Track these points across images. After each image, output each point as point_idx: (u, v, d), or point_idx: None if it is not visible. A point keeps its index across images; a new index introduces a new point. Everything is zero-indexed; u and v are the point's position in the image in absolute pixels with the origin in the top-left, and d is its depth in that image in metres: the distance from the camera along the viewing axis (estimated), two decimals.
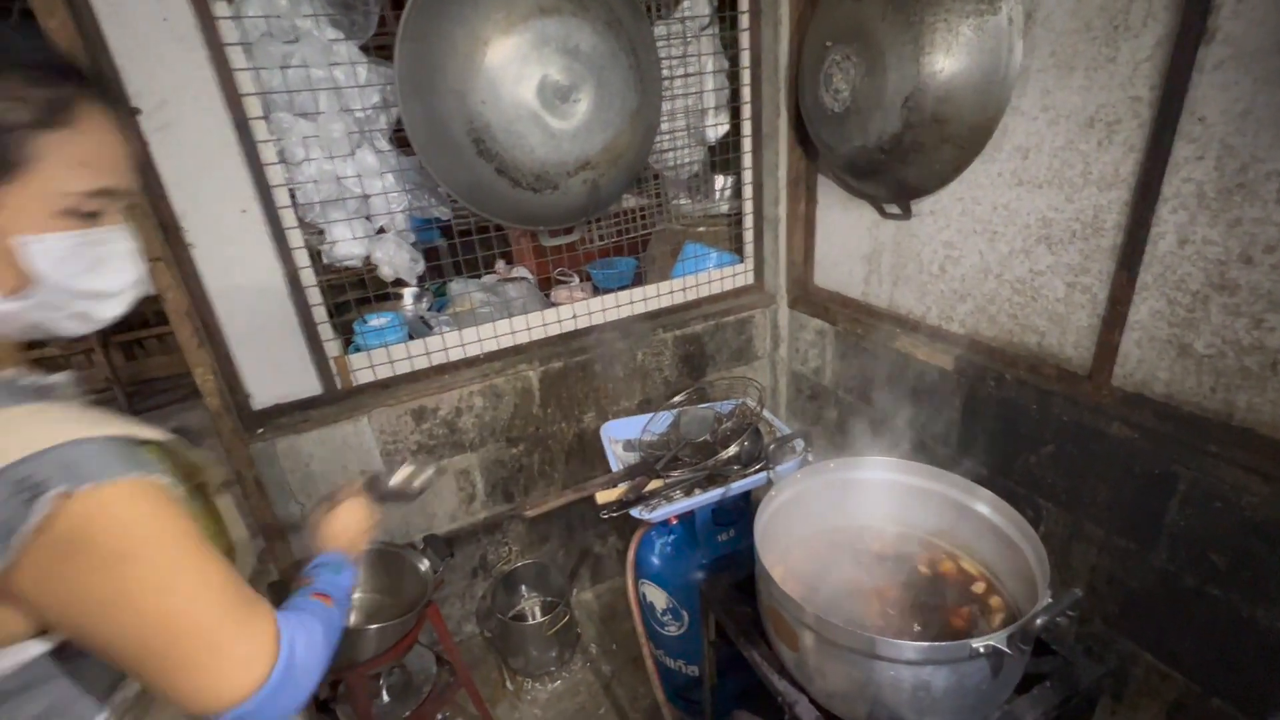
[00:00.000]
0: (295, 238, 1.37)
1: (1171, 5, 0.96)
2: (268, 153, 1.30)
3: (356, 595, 1.43)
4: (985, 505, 0.99)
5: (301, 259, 1.39)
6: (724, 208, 2.02)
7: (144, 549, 0.51)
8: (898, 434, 1.68)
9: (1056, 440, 1.26)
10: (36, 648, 0.54)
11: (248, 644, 0.55)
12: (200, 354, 1.29)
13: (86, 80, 0.56)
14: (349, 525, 0.86)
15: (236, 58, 1.22)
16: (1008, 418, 1.35)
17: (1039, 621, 0.69)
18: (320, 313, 1.44)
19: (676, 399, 1.60)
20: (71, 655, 0.56)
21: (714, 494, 1.28)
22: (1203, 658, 1.09)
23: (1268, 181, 0.91)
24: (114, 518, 0.50)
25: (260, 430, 1.42)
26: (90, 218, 0.56)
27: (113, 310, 0.60)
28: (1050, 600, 0.73)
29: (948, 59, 1.18)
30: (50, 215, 0.53)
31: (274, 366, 1.43)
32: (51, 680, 0.56)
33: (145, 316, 3.96)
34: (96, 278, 0.57)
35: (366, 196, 1.42)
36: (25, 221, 0.52)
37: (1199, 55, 0.94)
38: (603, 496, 1.29)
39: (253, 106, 1.26)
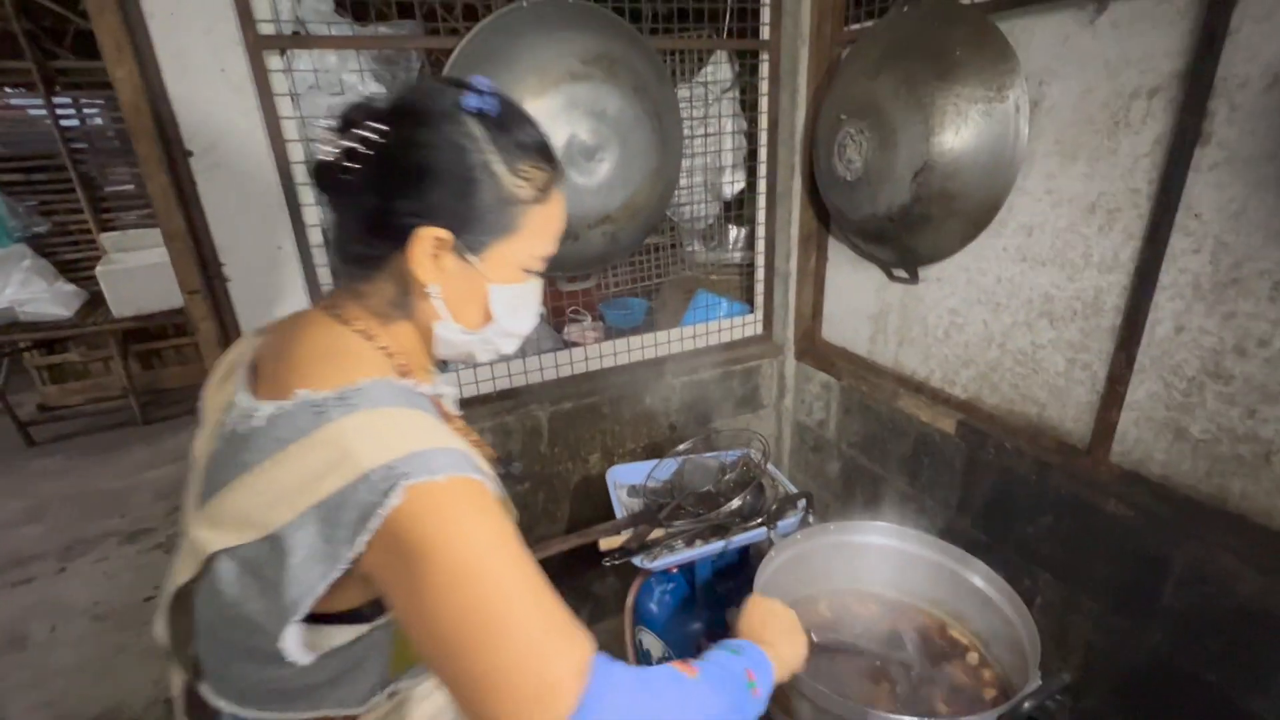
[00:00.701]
0: (325, 275, 1.44)
1: (1169, 107, 1.01)
2: (305, 195, 1.37)
3: None
4: (981, 578, 1.00)
5: None
6: (736, 257, 2.07)
7: (482, 541, 0.52)
8: (898, 493, 1.70)
9: (1054, 512, 1.28)
10: (364, 628, 0.59)
11: (560, 669, 0.50)
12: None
13: (557, 163, 0.68)
14: (768, 622, 0.78)
15: (284, 107, 1.30)
16: (1006, 486, 1.37)
17: (1027, 706, 0.70)
18: None
19: (682, 446, 1.63)
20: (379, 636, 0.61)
21: (715, 546, 1.30)
22: None
23: (1260, 279, 0.95)
24: (459, 506, 0.53)
25: None
26: (530, 274, 0.69)
27: (512, 347, 0.74)
28: (1040, 683, 0.74)
29: (957, 139, 1.24)
30: (515, 270, 0.67)
31: None
32: (368, 651, 0.61)
33: (165, 327, 4.05)
34: (519, 321, 0.71)
35: None
36: (501, 274, 0.66)
37: (1195, 156, 0.99)
38: (606, 543, 1.31)
39: (295, 152, 1.33)
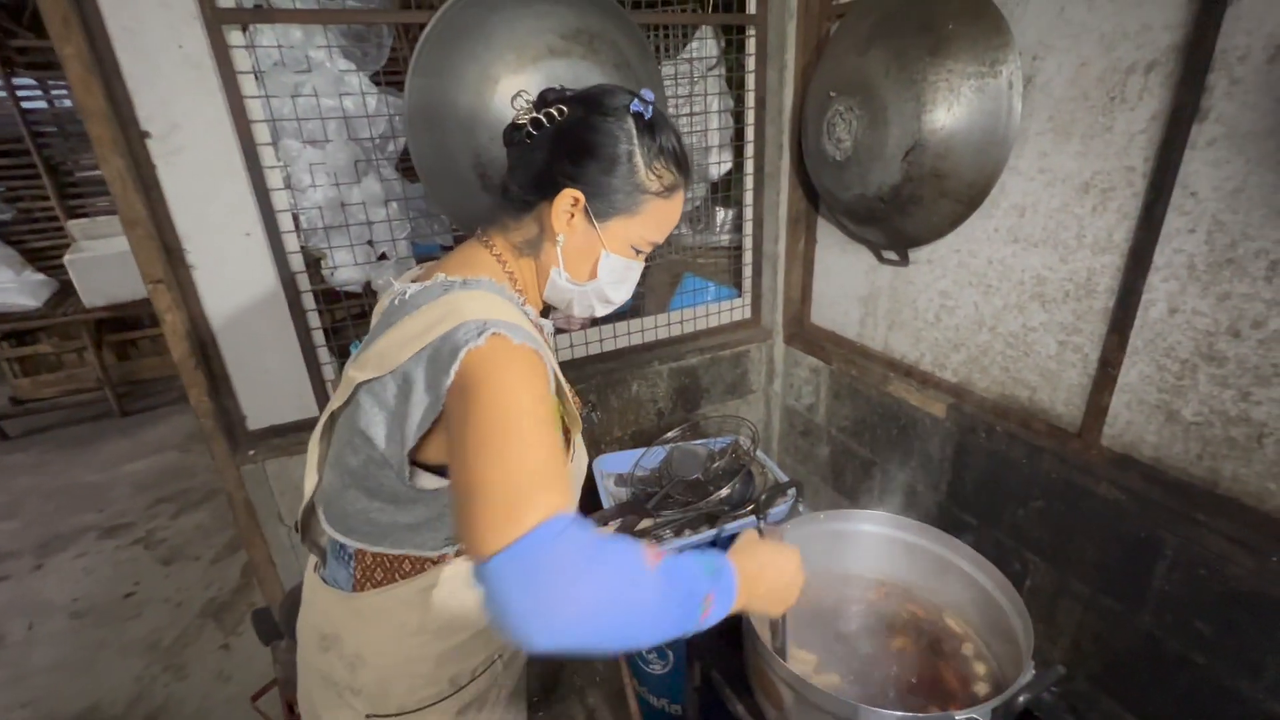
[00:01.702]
0: (297, 262, 1.38)
1: (1167, 82, 0.98)
2: (274, 178, 1.31)
3: None
4: (974, 567, 0.99)
5: (303, 283, 1.40)
6: (724, 240, 2.04)
7: (523, 393, 0.60)
8: (888, 477, 1.69)
9: (1045, 496, 1.27)
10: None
11: (532, 503, 0.53)
12: (197, 375, 1.30)
13: (689, 174, 0.82)
14: (770, 565, 0.76)
15: (248, 85, 1.24)
16: (997, 470, 1.36)
17: (1022, 699, 0.69)
18: (319, 336, 1.44)
19: (670, 434, 1.61)
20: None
21: (705, 535, 1.28)
22: None
23: (1257, 259, 0.93)
24: (520, 364, 0.62)
25: (252, 451, 1.42)
26: (637, 254, 0.82)
27: (603, 310, 0.87)
28: (1034, 674, 0.73)
29: (949, 117, 1.20)
30: (626, 245, 0.80)
31: (271, 388, 1.43)
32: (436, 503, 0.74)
33: (139, 317, 3.95)
34: (617, 291, 0.85)
35: (370, 223, 1.43)
36: (615, 244, 0.80)
37: (1192, 132, 0.96)
38: None
39: (261, 133, 1.27)
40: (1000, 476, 1.35)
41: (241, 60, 1.22)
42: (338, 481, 0.77)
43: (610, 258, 0.80)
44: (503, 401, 0.59)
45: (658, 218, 0.80)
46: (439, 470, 0.72)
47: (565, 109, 0.76)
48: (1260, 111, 0.89)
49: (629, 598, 0.55)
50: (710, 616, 0.63)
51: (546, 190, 0.77)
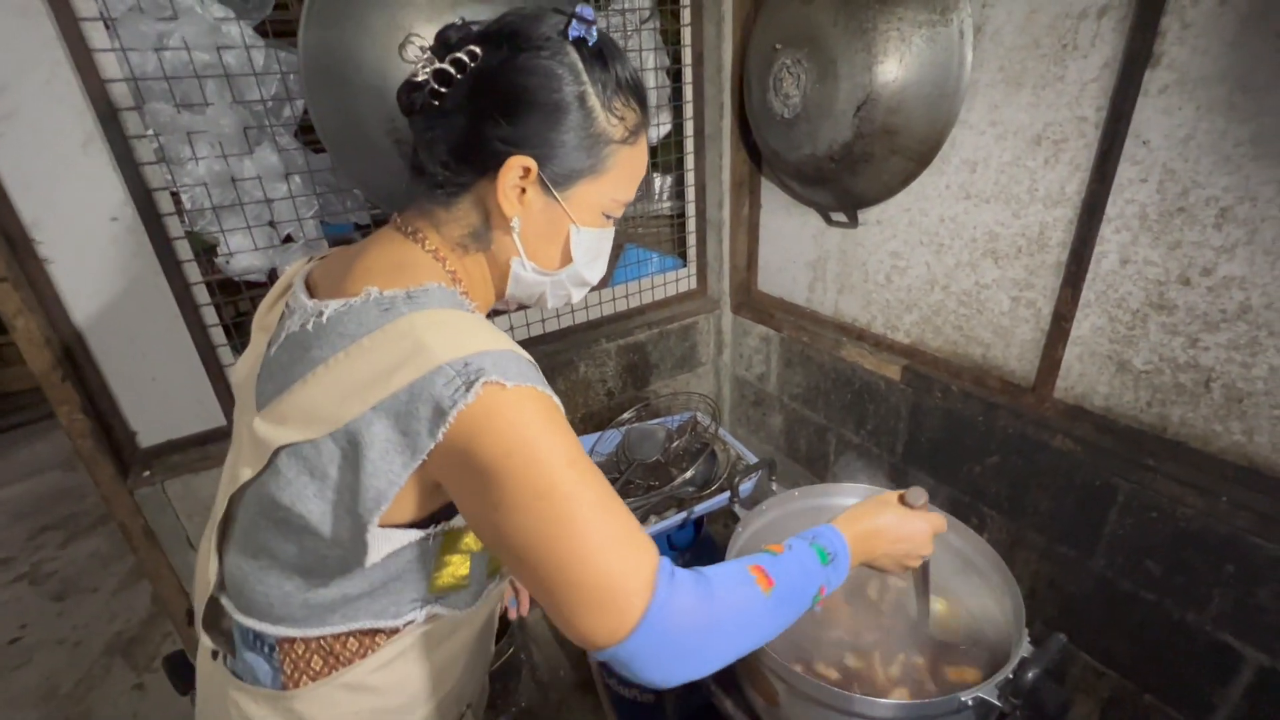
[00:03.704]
0: (183, 249, 1.18)
1: (1119, 28, 0.96)
2: (143, 150, 1.10)
3: None
4: (959, 538, 0.98)
5: (192, 273, 1.20)
6: (665, 207, 1.95)
7: (556, 455, 0.51)
8: (843, 442, 1.69)
9: (1001, 451, 1.28)
10: (416, 534, 0.58)
11: (629, 582, 0.50)
12: (64, 390, 1.09)
13: (648, 107, 0.66)
14: (889, 530, 0.72)
15: (97, 36, 1.02)
16: (953, 428, 1.37)
17: (1030, 675, 0.67)
18: (219, 334, 1.25)
19: (625, 416, 1.53)
20: (427, 549, 0.60)
21: (673, 520, 1.22)
22: (1136, 657, 1.15)
23: (1206, 206, 0.93)
24: (533, 417, 0.51)
25: (147, 473, 1.23)
26: (608, 219, 0.67)
27: (579, 296, 0.73)
28: (1030, 645, 0.72)
29: (900, 69, 1.15)
30: (597, 213, 0.65)
31: (165, 398, 1.24)
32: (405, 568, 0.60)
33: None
34: (591, 269, 0.70)
35: (269, 201, 1.25)
36: (585, 215, 0.64)
37: (1144, 79, 0.95)
38: None
39: (121, 95, 1.06)
40: (956, 435, 1.36)
41: (84, 4, 1.00)
42: (250, 565, 0.61)
43: (582, 232, 0.65)
44: (540, 477, 0.50)
45: (628, 170, 0.65)
46: (404, 524, 0.58)
47: (479, 49, 0.58)
48: (1211, 56, 0.88)
49: (752, 633, 0.57)
50: (826, 595, 0.65)
51: (482, 163, 0.60)
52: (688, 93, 1.65)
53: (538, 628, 1.93)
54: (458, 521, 0.60)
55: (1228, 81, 0.87)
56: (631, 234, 1.90)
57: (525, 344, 1.63)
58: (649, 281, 1.81)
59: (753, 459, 1.33)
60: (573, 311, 1.68)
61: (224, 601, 0.64)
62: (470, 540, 0.63)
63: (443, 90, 0.59)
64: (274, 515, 0.57)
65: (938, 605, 0.92)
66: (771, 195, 1.71)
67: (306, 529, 0.56)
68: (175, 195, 1.16)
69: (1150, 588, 1.10)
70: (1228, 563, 0.99)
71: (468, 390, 0.49)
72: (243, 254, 1.25)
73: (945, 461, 1.41)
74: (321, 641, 0.62)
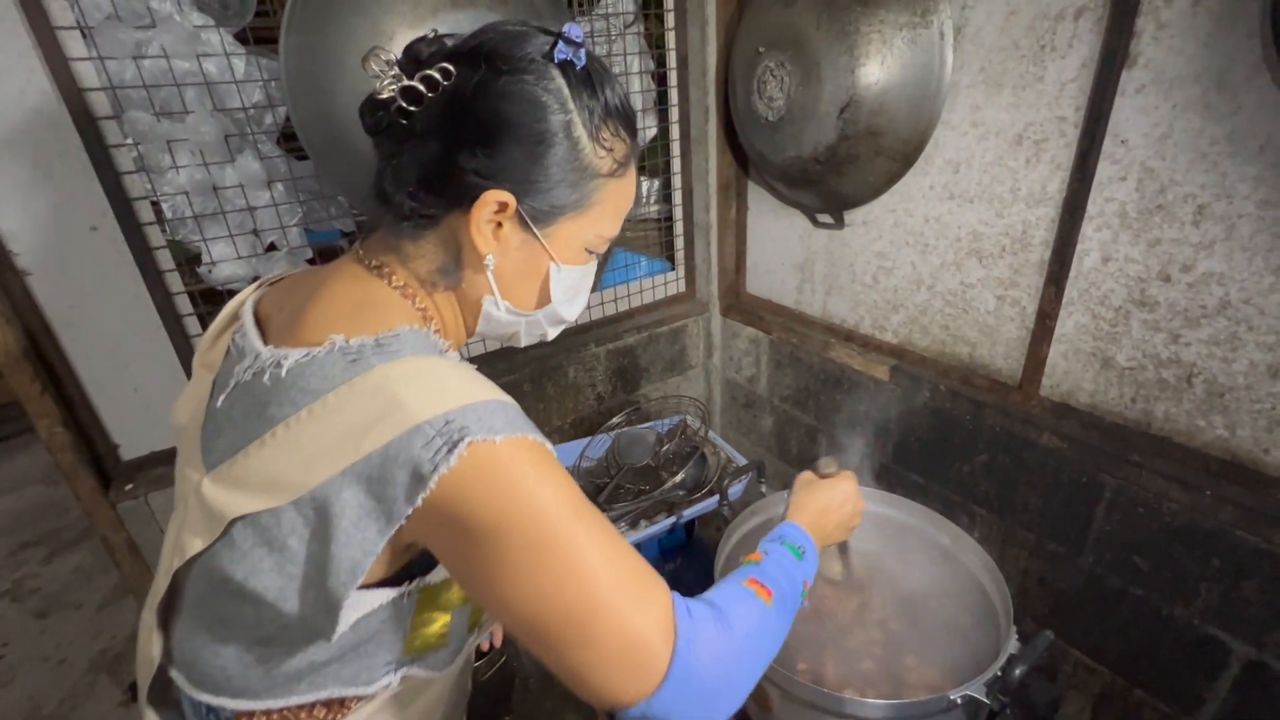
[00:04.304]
0: (165, 258, 1.17)
1: (1096, 29, 0.97)
2: (123, 159, 1.09)
3: None
4: (947, 536, 0.98)
5: (174, 283, 1.19)
6: (653, 211, 1.95)
7: (553, 510, 0.48)
8: (834, 444, 1.69)
9: (989, 450, 1.29)
10: (389, 593, 0.53)
11: (647, 636, 0.48)
12: (44, 403, 1.07)
13: (637, 134, 0.61)
14: (830, 504, 0.76)
15: (74, 45, 1.01)
16: (941, 427, 1.37)
17: (1018, 671, 0.67)
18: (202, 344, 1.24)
19: (614, 420, 1.52)
20: (398, 611, 0.55)
21: (663, 524, 1.22)
22: (1126, 652, 1.15)
23: (1184, 204, 0.94)
24: (526, 471, 0.47)
25: (130, 486, 1.21)
26: (590, 254, 0.62)
27: (554, 334, 0.68)
28: (1017, 642, 0.72)
29: (883, 70, 1.16)
30: (578, 250, 0.60)
31: (147, 409, 1.22)
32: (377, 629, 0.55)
33: None
34: (571, 307, 0.65)
35: (252, 209, 1.23)
36: (566, 253, 0.59)
37: (1121, 79, 0.96)
38: None
39: (99, 103, 1.05)
40: (945, 434, 1.37)
41: (60, 13, 0.99)
42: (204, 638, 0.55)
43: (563, 271, 0.60)
44: (543, 535, 0.46)
45: (614, 204, 0.60)
46: (374, 584, 0.53)
47: (453, 68, 0.52)
48: (1185, 56, 0.90)
49: (768, 646, 0.56)
50: (808, 589, 0.65)
51: (454, 195, 0.54)
52: (673, 96, 1.66)
53: None
54: (435, 576, 0.56)
55: (1203, 81, 0.89)
56: (620, 238, 1.90)
57: (517, 350, 1.63)
58: (637, 285, 1.81)
59: (742, 461, 1.33)
60: None
61: (174, 675, 0.58)
62: (452, 595, 0.58)
63: (412, 109, 0.53)
64: (228, 589, 0.51)
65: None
66: (758, 198, 1.72)
67: (260, 604, 0.51)
68: (156, 204, 1.15)
69: (1138, 583, 1.10)
70: (1213, 556, 1.00)
71: (450, 452, 0.45)
72: (225, 263, 1.23)
73: (934, 461, 1.42)
74: (285, 713, 0.56)
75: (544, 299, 0.61)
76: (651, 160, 1.78)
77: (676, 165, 1.74)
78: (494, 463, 0.46)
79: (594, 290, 1.71)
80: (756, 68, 1.35)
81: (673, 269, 1.88)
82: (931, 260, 1.32)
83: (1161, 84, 0.93)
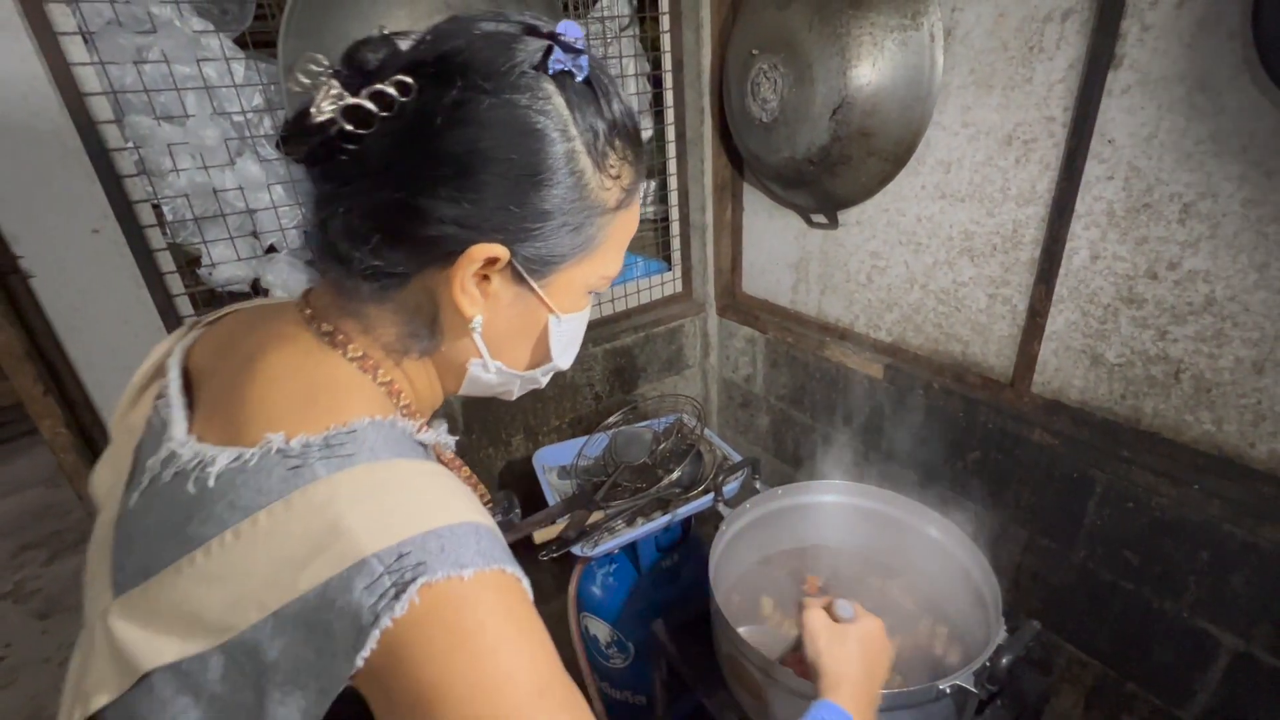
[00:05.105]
0: (166, 261, 1.18)
1: (1082, 31, 0.99)
2: (124, 162, 1.10)
3: None
4: (934, 527, 0.99)
5: (175, 285, 1.20)
6: (649, 212, 1.96)
7: (519, 676, 0.38)
8: (830, 441, 1.70)
9: (982, 446, 1.30)
10: None
11: None
12: (47, 404, 1.09)
13: (642, 151, 0.50)
14: (874, 666, 0.63)
15: (75, 50, 1.02)
16: (935, 425, 1.38)
17: (1005, 660, 0.69)
18: None
19: (611, 419, 1.54)
20: None
21: (658, 522, 1.23)
22: (1118, 646, 1.17)
23: (1171, 203, 0.96)
24: (490, 611, 0.39)
25: None
26: (589, 294, 0.53)
27: (544, 382, 0.58)
28: (1007, 634, 0.73)
29: (874, 72, 1.18)
30: (580, 295, 0.51)
31: None
32: None
33: None
34: (567, 354, 0.55)
35: (252, 211, 1.25)
36: (567, 301, 0.50)
37: (1108, 79, 0.98)
38: (541, 535, 1.20)
39: (100, 108, 1.06)
40: (939, 431, 1.38)
41: (62, 19, 1.00)
42: None
43: (563, 321, 0.51)
44: (496, 709, 0.37)
45: (621, 239, 0.50)
46: None
47: (413, 82, 0.40)
48: (1170, 57, 0.91)
49: None
50: None
51: (427, 250, 0.44)
52: (668, 98, 1.67)
53: None
54: None
55: (1187, 81, 0.90)
56: None
57: None
58: (634, 285, 1.82)
59: (738, 458, 1.35)
60: None
61: None
62: None
63: (360, 134, 0.41)
64: None
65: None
66: (753, 198, 1.73)
67: None
68: (157, 207, 1.16)
69: (1129, 577, 1.12)
70: (1202, 550, 1.01)
71: (397, 597, 0.36)
72: (226, 265, 1.25)
73: (928, 458, 1.43)
74: None
75: (542, 355, 0.53)
76: (648, 161, 1.79)
77: (672, 166, 1.75)
78: (450, 607, 0.37)
79: None
80: (750, 70, 1.36)
81: (669, 269, 1.90)
82: (924, 259, 1.34)
83: (1147, 85, 0.94)
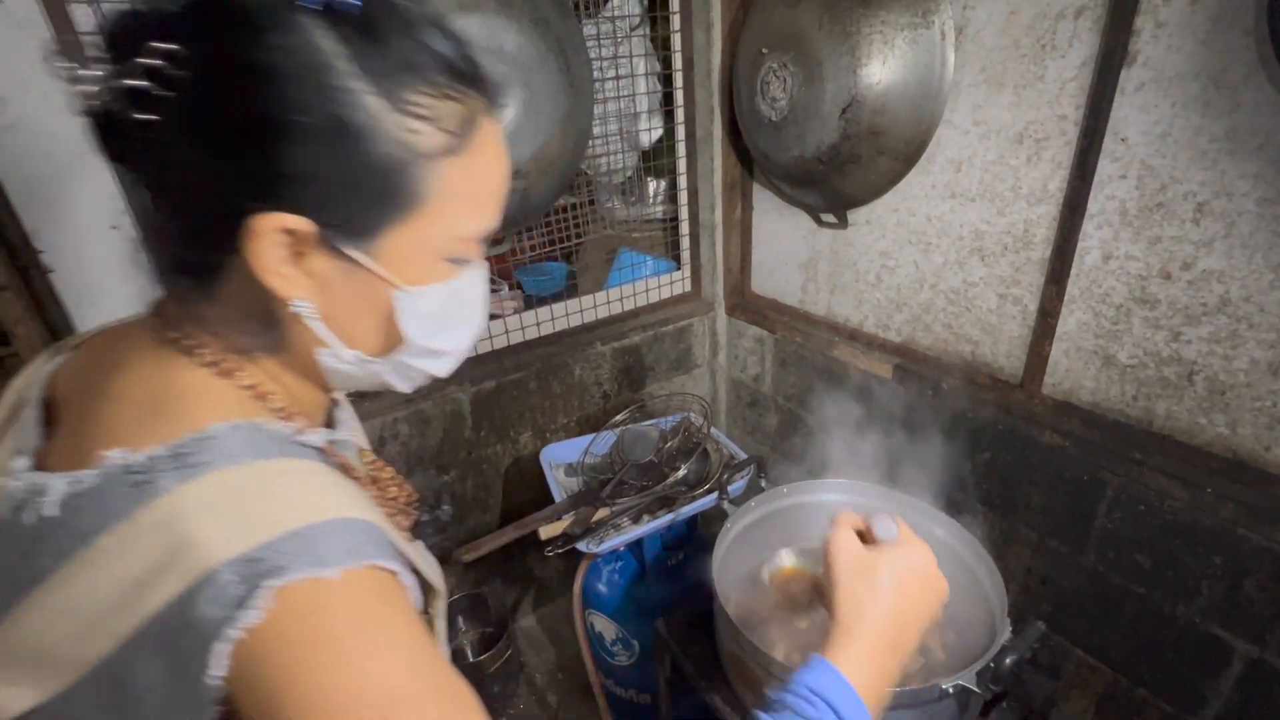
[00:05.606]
0: None
1: (1095, 28, 0.98)
2: None
3: None
4: (939, 526, 0.99)
5: None
6: (659, 211, 1.97)
7: (391, 684, 0.36)
8: (837, 441, 1.69)
9: (991, 447, 1.29)
10: None
11: None
12: None
13: (485, 83, 0.44)
14: (906, 601, 0.52)
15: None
16: (945, 425, 1.37)
17: (1008, 660, 0.68)
18: None
19: (618, 417, 1.54)
20: None
21: (663, 520, 1.23)
22: (1128, 651, 1.15)
23: (1184, 201, 0.95)
24: (356, 616, 0.36)
25: None
26: (461, 263, 0.46)
27: (445, 369, 0.51)
28: (1011, 634, 0.72)
29: (884, 70, 1.17)
30: (431, 262, 0.44)
31: None
32: None
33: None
34: (450, 335, 0.48)
35: None
36: (410, 272, 0.43)
37: (1121, 78, 0.97)
38: (547, 531, 1.21)
39: None
40: (948, 432, 1.37)
41: (82, 16, 1.02)
42: None
43: (413, 296, 0.44)
44: (368, 709, 0.35)
45: (466, 189, 0.43)
46: None
47: (180, 46, 0.36)
48: (1184, 54, 0.90)
49: None
50: None
51: (228, 232, 0.39)
52: (679, 98, 1.67)
53: (533, 631, 1.94)
54: None
55: (1201, 78, 0.89)
56: (626, 238, 1.92)
57: (522, 347, 1.65)
58: (643, 284, 1.82)
59: (744, 457, 1.35)
60: (567, 315, 1.70)
61: None
62: None
63: (150, 120, 0.36)
64: None
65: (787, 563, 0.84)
66: (763, 197, 1.73)
67: None
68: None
69: (1140, 581, 1.10)
70: (1215, 555, 0.99)
71: (241, 606, 0.33)
72: None
73: (938, 458, 1.41)
74: None
75: (396, 337, 0.46)
76: (658, 160, 1.80)
77: (682, 166, 1.75)
78: (311, 610, 0.35)
79: (600, 289, 1.75)
80: (760, 69, 1.36)
81: (678, 268, 1.90)
82: (934, 259, 1.33)
83: (1161, 82, 0.93)
